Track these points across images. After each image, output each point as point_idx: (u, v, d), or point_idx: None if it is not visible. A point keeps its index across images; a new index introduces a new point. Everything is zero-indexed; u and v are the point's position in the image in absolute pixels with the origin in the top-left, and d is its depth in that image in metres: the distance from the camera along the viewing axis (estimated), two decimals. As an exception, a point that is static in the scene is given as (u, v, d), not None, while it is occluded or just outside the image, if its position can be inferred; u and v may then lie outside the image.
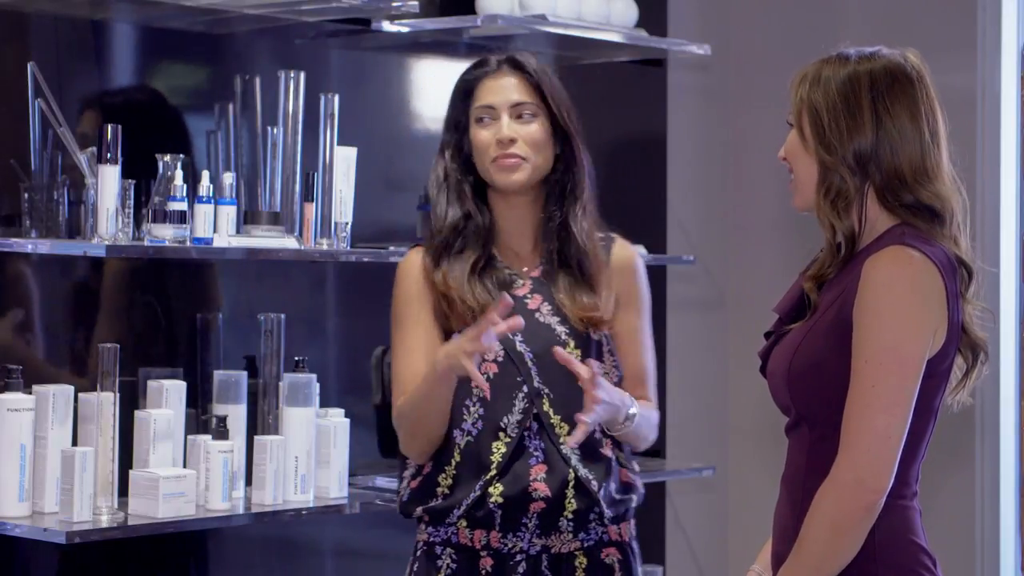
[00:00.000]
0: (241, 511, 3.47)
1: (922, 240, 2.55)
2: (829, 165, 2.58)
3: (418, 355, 3.13)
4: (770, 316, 2.79)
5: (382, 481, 3.98)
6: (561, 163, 3.18)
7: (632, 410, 3.08)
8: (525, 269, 3.18)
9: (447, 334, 3.13)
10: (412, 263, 3.21)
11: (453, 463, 3.10)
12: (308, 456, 3.57)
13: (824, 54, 2.65)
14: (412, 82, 4.29)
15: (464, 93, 3.19)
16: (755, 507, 4.66)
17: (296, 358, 3.59)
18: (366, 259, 3.72)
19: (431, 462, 3.13)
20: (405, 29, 4.04)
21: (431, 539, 3.13)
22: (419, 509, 3.12)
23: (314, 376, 3.59)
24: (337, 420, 3.65)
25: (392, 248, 3.82)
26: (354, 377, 4.14)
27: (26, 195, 3.43)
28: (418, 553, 3.17)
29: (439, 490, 3.11)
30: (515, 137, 3.13)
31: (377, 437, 4.17)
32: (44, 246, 3.37)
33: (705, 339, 4.87)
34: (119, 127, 3.28)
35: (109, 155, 3.25)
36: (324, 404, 3.69)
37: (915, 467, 2.60)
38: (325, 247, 3.64)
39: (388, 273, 4.03)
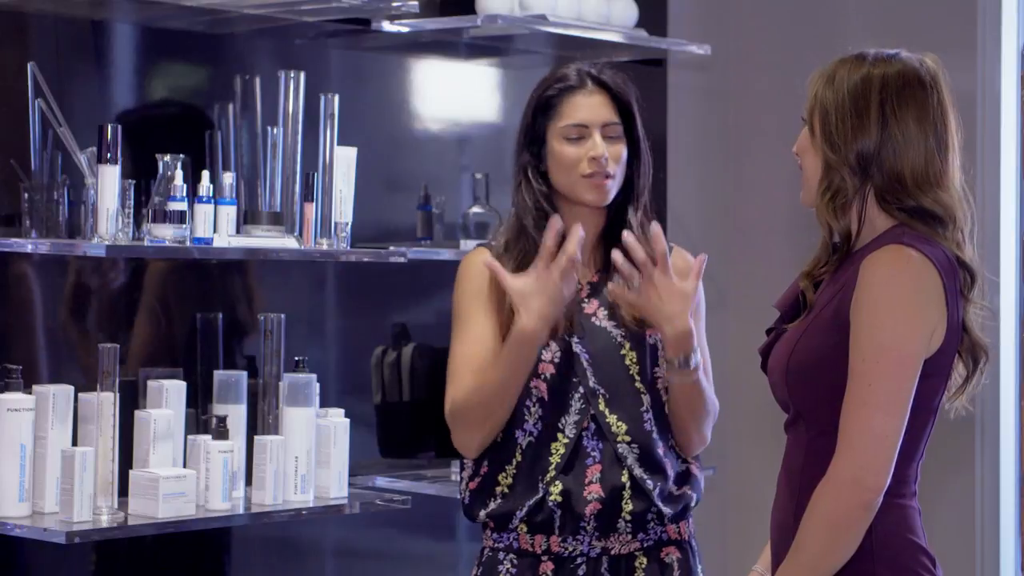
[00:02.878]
0: (241, 511, 3.47)
1: (921, 240, 2.55)
2: (832, 163, 2.59)
3: (481, 346, 3.13)
4: (771, 316, 2.79)
5: (382, 481, 3.98)
6: (628, 168, 3.21)
7: (698, 356, 3.08)
8: (583, 274, 3.20)
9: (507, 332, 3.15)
10: (478, 262, 3.19)
11: (514, 462, 3.13)
12: (308, 456, 3.57)
13: (844, 53, 2.65)
14: (412, 82, 4.29)
15: (545, 108, 3.18)
16: (755, 506, 4.65)
17: (296, 358, 3.59)
18: (366, 259, 3.72)
19: (489, 462, 3.15)
20: (405, 29, 4.04)
21: (495, 545, 3.16)
22: (482, 514, 3.15)
23: (314, 376, 3.59)
24: (337, 420, 3.65)
25: (392, 248, 3.82)
26: (354, 377, 4.14)
27: (26, 195, 3.43)
28: (483, 559, 3.20)
29: (498, 489, 3.13)
30: (607, 155, 3.15)
31: (377, 437, 4.17)
32: (44, 246, 3.37)
33: (706, 339, 4.86)
34: (119, 127, 3.28)
35: (109, 155, 3.25)
36: (324, 404, 3.69)
37: (914, 466, 2.61)
38: (325, 247, 3.64)
39: (388, 273, 4.04)
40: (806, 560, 2.55)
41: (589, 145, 3.14)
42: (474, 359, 3.13)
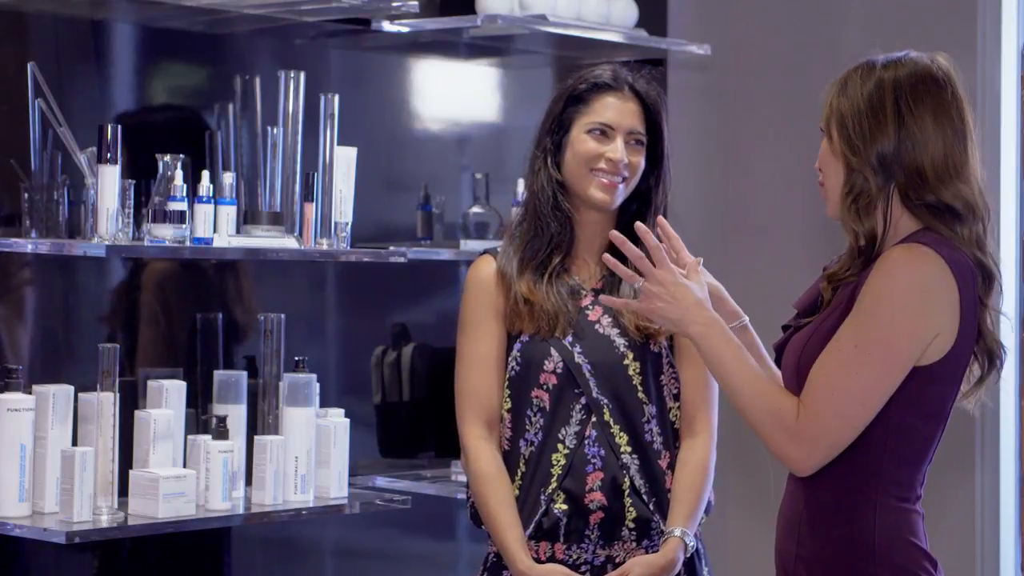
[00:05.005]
0: (241, 511, 3.47)
1: (943, 244, 2.56)
2: (854, 166, 2.60)
3: (480, 368, 3.17)
4: (771, 315, 2.80)
5: (382, 481, 3.98)
6: (646, 181, 3.21)
7: (690, 543, 3.12)
8: (588, 279, 3.21)
9: (512, 337, 3.18)
10: (485, 273, 3.21)
11: (519, 473, 3.15)
12: (308, 456, 3.57)
13: (836, 58, 2.66)
14: (412, 82, 4.29)
15: (577, 98, 3.19)
16: (755, 506, 4.66)
17: (296, 358, 3.59)
18: (366, 259, 3.72)
19: None
20: (405, 29, 4.04)
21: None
22: None
23: (314, 376, 3.59)
24: (337, 420, 3.65)
25: (392, 248, 3.82)
26: (354, 377, 4.14)
27: (26, 195, 3.43)
28: (488, 564, 3.21)
29: None
30: (626, 161, 3.16)
31: (377, 437, 4.17)
32: (44, 246, 3.37)
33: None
34: (119, 127, 3.28)
35: (109, 155, 3.25)
36: (324, 404, 3.69)
37: (922, 471, 2.62)
38: (325, 247, 3.64)
39: (388, 273, 4.04)
40: (739, 388, 2.61)
41: (610, 148, 3.15)
42: (468, 383, 3.17)
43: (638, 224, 2.83)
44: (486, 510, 3.12)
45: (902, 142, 2.58)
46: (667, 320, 2.71)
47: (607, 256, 2.87)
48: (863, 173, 2.59)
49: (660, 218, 2.89)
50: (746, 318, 2.95)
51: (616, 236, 2.87)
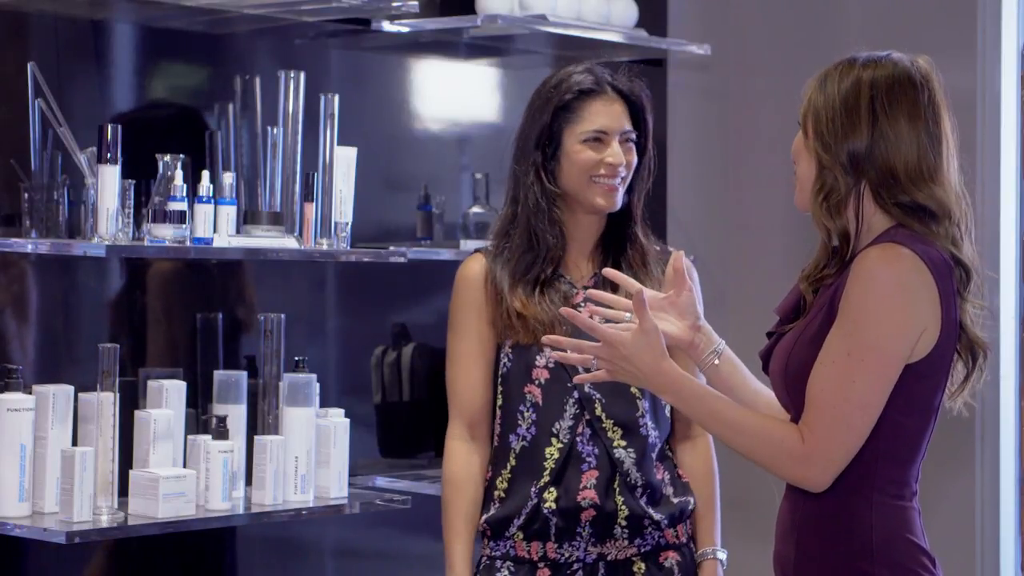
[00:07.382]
0: (241, 511, 3.47)
1: (915, 239, 2.56)
2: (825, 164, 2.60)
3: (463, 366, 3.20)
4: (771, 316, 2.79)
5: (382, 481, 3.98)
6: (635, 173, 3.24)
7: (722, 559, 3.23)
8: (580, 278, 3.22)
9: (502, 341, 3.20)
10: (474, 272, 3.22)
11: (509, 467, 3.16)
12: (308, 456, 3.57)
13: (836, 58, 2.67)
14: (412, 82, 4.29)
15: (563, 107, 3.18)
16: (754, 507, 4.65)
17: (296, 358, 3.59)
18: (366, 259, 3.72)
19: (490, 467, 3.21)
20: (405, 29, 4.04)
21: (492, 553, 3.19)
22: (482, 520, 3.18)
23: (314, 376, 3.59)
24: (337, 420, 3.65)
25: (392, 248, 3.82)
26: (354, 377, 4.14)
27: (26, 195, 3.43)
28: (480, 567, 3.23)
29: (496, 493, 3.18)
30: (623, 162, 3.18)
31: (377, 437, 4.17)
32: (44, 246, 3.37)
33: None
34: (119, 127, 3.28)
35: (109, 155, 3.25)
36: (324, 404, 3.69)
37: (915, 467, 2.61)
38: (325, 247, 3.64)
39: (388, 273, 4.04)
40: (734, 436, 2.60)
41: (607, 152, 3.15)
42: (457, 381, 3.21)
43: (606, 270, 2.88)
44: (445, 514, 3.19)
45: (875, 142, 2.58)
46: (635, 382, 2.66)
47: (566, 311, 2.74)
48: (833, 171, 2.59)
49: (608, 270, 2.87)
50: (721, 343, 2.87)
51: (570, 313, 2.70)
